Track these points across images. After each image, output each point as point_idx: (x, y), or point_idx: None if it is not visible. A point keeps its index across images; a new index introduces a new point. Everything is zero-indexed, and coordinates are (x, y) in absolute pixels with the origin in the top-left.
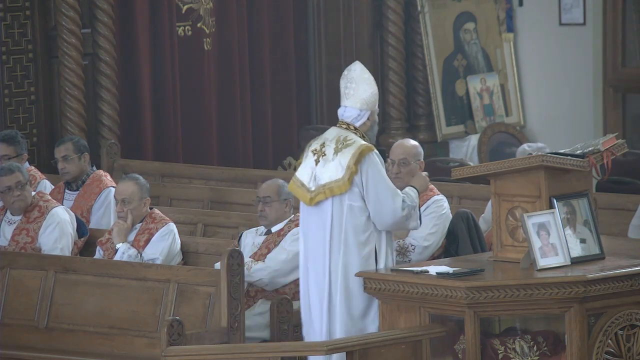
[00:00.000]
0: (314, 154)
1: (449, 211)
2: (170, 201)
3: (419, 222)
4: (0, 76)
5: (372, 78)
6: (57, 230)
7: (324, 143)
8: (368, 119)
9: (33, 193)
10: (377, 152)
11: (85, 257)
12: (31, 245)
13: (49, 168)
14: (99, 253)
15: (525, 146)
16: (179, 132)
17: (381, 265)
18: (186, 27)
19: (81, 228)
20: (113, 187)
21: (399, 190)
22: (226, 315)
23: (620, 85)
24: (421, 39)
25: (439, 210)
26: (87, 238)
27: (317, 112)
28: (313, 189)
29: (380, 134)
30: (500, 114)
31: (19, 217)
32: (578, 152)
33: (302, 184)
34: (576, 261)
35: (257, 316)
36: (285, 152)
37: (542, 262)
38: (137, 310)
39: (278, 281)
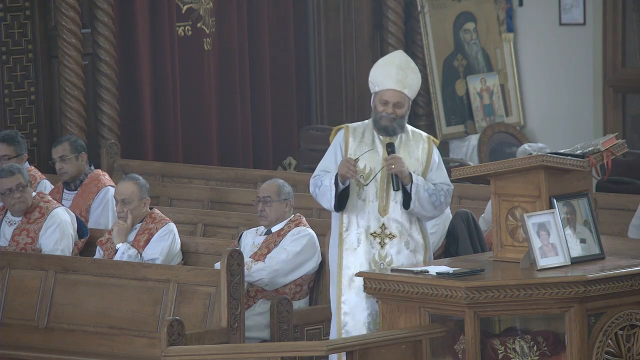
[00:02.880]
0: None
1: (449, 211)
2: (170, 201)
3: (329, 204)
4: (0, 76)
5: (379, 60)
6: (58, 232)
7: None
8: (372, 102)
9: (34, 194)
10: (340, 131)
11: (86, 257)
12: (31, 246)
13: (48, 168)
14: (99, 253)
15: (525, 146)
16: (179, 132)
17: (332, 246)
18: (186, 27)
19: (82, 229)
20: (111, 186)
21: (326, 167)
22: (226, 315)
23: (620, 85)
24: (421, 39)
25: None
26: (87, 238)
27: (317, 112)
28: None
29: None
30: (500, 114)
31: (19, 218)
32: (578, 152)
33: None
34: (576, 261)
35: (257, 316)
36: (285, 152)
37: (542, 262)
38: (137, 310)
39: (278, 281)
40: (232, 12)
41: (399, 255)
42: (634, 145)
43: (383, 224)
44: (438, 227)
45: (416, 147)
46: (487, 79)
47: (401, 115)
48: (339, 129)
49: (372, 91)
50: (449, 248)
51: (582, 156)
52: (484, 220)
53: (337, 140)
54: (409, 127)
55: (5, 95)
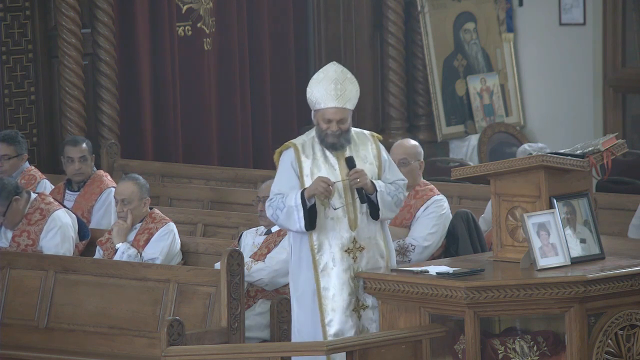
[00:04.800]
0: None
1: (449, 211)
2: (170, 201)
3: (298, 224)
4: (0, 76)
5: (314, 77)
6: (59, 235)
7: None
8: (313, 118)
9: (34, 195)
10: (289, 151)
11: (86, 257)
12: (32, 248)
13: (49, 168)
14: (98, 253)
15: (526, 146)
16: (179, 132)
17: (301, 270)
18: (186, 27)
19: (82, 230)
20: (114, 187)
21: (281, 190)
22: (226, 315)
23: (620, 85)
24: (421, 39)
25: (439, 210)
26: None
27: None
28: None
29: (380, 133)
30: (500, 114)
31: None
32: (578, 152)
33: None
34: (576, 261)
35: (257, 316)
36: None
37: (542, 262)
38: (137, 310)
39: (278, 281)
40: (232, 12)
41: (368, 265)
42: (634, 145)
43: (354, 238)
44: (438, 227)
45: (366, 151)
46: (487, 79)
47: (346, 130)
48: (285, 149)
49: (312, 108)
50: (449, 248)
51: (582, 156)
52: (484, 220)
53: (287, 160)
54: (353, 130)
55: (5, 95)
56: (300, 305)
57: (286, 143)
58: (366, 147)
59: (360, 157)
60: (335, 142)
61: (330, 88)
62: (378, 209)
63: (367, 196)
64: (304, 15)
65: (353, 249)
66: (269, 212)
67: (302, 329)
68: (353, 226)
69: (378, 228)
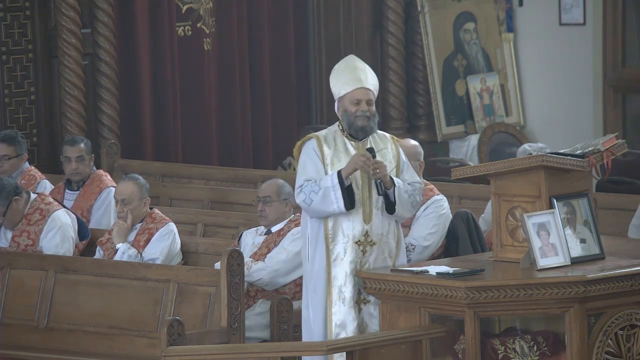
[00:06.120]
0: None
1: (449, 211)
2: (170, 201)
3: (335, 205)
4: (0, 76)
5: (335, 67)
6: (59, 235)
7: None
8: (338, 109)
9: (34, 195)
10: (311, 141)
11: (86, 257)
12: (32, 248)
13: (49, 168)
14: (99, 253)
15: (526, 146)
16: (179, 132)
17: (315, 258)
18: (186, 27)
19: (82, 230)
20: (113, 187)
21: (310, 176)
22: (226, 315)
23: (620, 85)
24: (421, 39)
25: (438, 210)
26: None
27: (317, 112)
28: None
29: None
30: (500, 114)
31: None
32: (578, 152)
33: None
34: (576, 261)
35: (257, 316)
36: (285, 152)
37: (542, 262)
38: (137, 310)
39: (278, 281)
40: (232, 12)
41: (376, 261)
42: (634, 145)
43: (366, 232)
44: (438, 227)
45: (386, 150)
46: (487, 79)
47: (374, 113)
48: (307, 140)
49: (337, 97)
50: (449, 248)
51: (582, 156)
52: (484, 220)
53: (309, 150)
54: None
55: (5, 95)
56: (313, 295)
57: (307, 135)
58: (386, 146)
59: (380, 154)
60: (365, 125)
61: (355, 72)
62: (394, 204)
63: (384, 190)
64: (304, 15)
65: (364, 242)
66: (300, 198)
67: (315, 318)
68: (367, 219)
69: (392, 227)
